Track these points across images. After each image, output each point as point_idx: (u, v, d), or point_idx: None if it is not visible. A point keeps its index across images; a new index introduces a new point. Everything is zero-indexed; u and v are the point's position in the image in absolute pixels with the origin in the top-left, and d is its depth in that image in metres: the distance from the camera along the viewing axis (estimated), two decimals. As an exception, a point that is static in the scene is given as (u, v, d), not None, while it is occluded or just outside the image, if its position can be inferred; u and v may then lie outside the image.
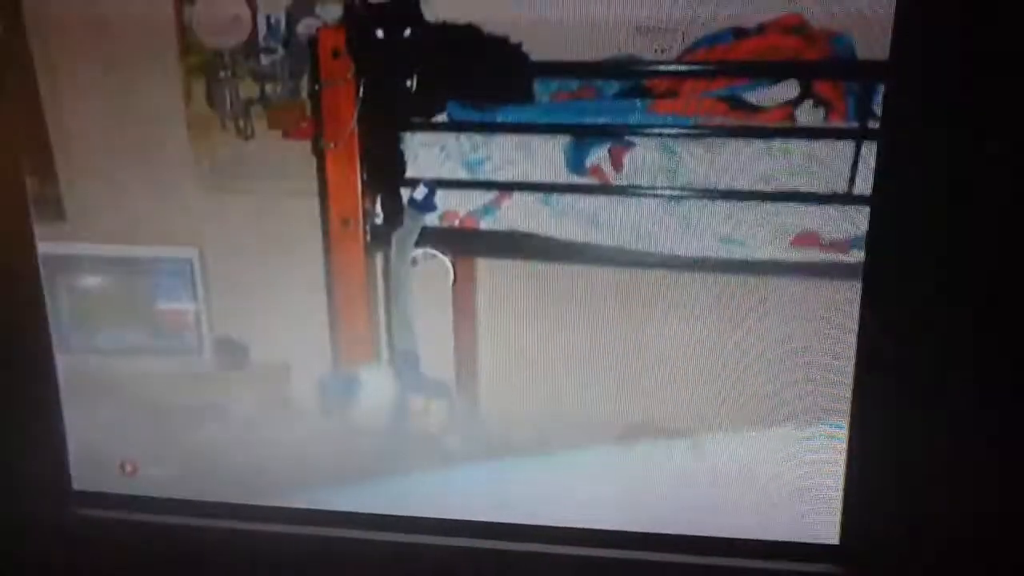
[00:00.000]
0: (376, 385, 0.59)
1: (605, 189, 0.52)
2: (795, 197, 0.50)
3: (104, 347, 0.61)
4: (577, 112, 0.51)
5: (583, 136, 0.52)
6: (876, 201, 0.50)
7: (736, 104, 0.49)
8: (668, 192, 0.52)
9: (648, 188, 0.52)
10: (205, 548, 0.62)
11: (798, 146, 0.49)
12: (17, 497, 0.63)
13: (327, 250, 0.57)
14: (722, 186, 0.51)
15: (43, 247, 0.59)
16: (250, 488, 0.62)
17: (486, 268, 0.55)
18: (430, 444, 0.59)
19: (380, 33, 0.51)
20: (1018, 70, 0.46)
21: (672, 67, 0.49)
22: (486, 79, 0.51)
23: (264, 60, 0.53)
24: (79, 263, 0.59)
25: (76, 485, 0.64)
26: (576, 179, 0.53)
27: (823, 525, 0.56)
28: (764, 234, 0.51)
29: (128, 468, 0.63)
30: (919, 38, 0.46)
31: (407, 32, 0.51)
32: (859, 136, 0.49)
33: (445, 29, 0.50)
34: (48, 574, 0.65)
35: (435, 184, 0.54)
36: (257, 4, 0.52)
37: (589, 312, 0.55)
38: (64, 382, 0.62)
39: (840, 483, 0.55)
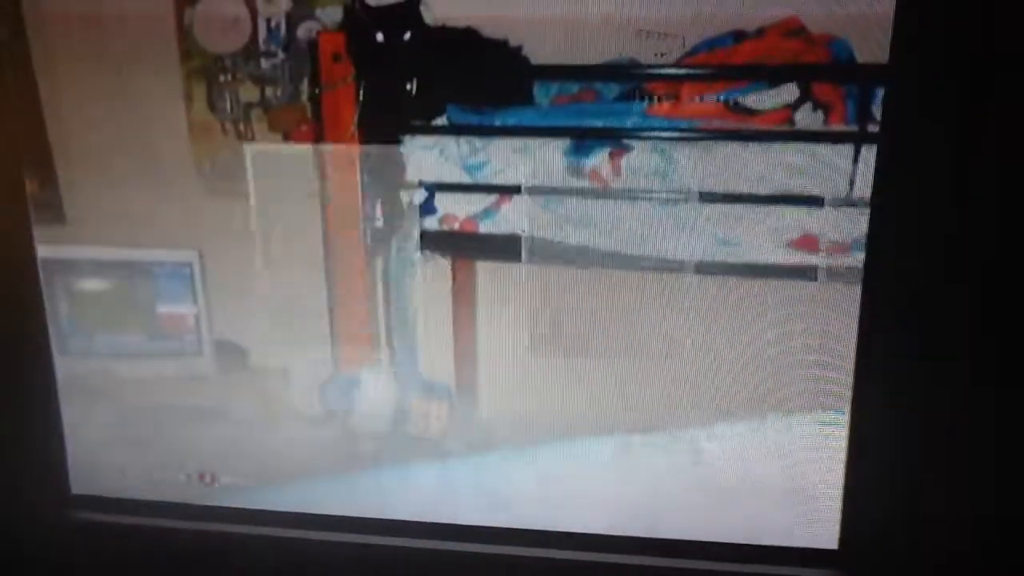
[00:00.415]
0: (376, 388, 0.59)
1: (605, 192, 0.52)
2: (795, 200, 0.50)
3: (103, 350, 0.61)
4: (577, 115, 0.51)
5: (583, 139, 0.52)
6: (876, 203, 0.50)
7: (736, 107, 0.49)
8: (667, 195, 0.52)
9: (647, 191, 0.52)
10: (203, 552, 0.62)
11: (798, 149, 0.49)
12: (15, 500, 0.63)
13: (327, 253, 0.57)
14: (721, 189, 0.51)
15: (43, 250, 0.59)
16: (249, 491, 0.62)
17: (485, 271, 0.55)
18: (430, 446, 0.59)
19: (380, 36, 0.51)
20: (1017, 72, 0.46)
21: (672, 71, 0.49)
22: (486, 82, 0.51)
23: (264, 64, 0.53)
24: (79, 266, 0.59)
25: (74, 489, 0.64)
26: (575, 183, 0.53)
27: (822, 530, 0.55)
28: (764, 237, 0.51)
29: (126, 472, 0.63)
30: (918, 41, 0.46)
31: (407, 35, 0.51)
32: (858, 139, 0.49)
33: (445, 32, 0.50)
34: (46, 577, 0.65)
35: (435, 187, 0.54)
36: (257, 8, 0.52)
37: (589, 314, 0.55)
38: (63, 385, 0.62)
39: (839, 487, 0.54)
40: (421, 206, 0.55)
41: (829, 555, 0.56)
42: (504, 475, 0.58)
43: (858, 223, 0.50)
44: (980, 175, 0.48)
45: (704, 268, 0.52)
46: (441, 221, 0.55)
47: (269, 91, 0.54)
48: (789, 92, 0.49)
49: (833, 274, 0.51)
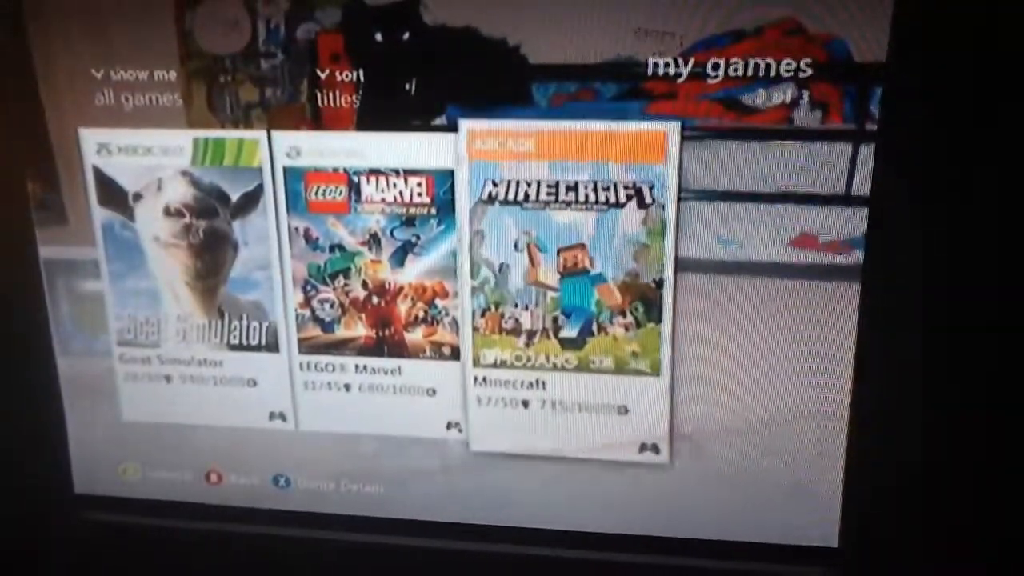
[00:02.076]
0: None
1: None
2: (793, 198, 0.50)
3: (105, 350, 0.61)
4: (575, 114, 0.51)
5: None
6: (874, 202, 0.50)
7: (734, 106, 0.49)
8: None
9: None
10: (207, 552, 0.63)
11: (796, 147, 0.49)
12: (19, 500, 0.63)
13: (327, 253, 0.57)
14: (720, 188, 0.51)
15: (45, 251, 0.59)
16: (252, 491, 0.62)
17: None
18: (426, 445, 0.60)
19: (379, 37, 0.51)
20: (1016, 71, 0.46)
21: (670, 69, 0.49)
22: (485, 82, 0.51)
23: (264, 64, 0.53)
24: (81, 267, 0.59)
25: (78, 488, 0.64)
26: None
27: (822, 528, 0.55)
28: (762, 235, 0.51)
29: (130, 471, 0.63)
30: (917, 40, 0.46)
31: (406, 35, 0.51)
32: (857, 138, 0.49)
33: (444, 32, 0.50)
34: (50, 577, 0.65)
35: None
36: (257, 9, 0.52)
37: (588, 314, 0.55)
38: (65, 385, 0.62)
39: (839, 485, 0.54)
40: (421, 206, 0.55)
41: (830, 553, 0.56)
42: (496, 473, 0.58)
43: (857, 221, 0.50)
44: (979, 172, 0.48)
45: (703, 267, 0.52)
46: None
47: (269, 92, 0.54)
48: (787, 91, 0.49)
49: (832, 273, 0.51)
